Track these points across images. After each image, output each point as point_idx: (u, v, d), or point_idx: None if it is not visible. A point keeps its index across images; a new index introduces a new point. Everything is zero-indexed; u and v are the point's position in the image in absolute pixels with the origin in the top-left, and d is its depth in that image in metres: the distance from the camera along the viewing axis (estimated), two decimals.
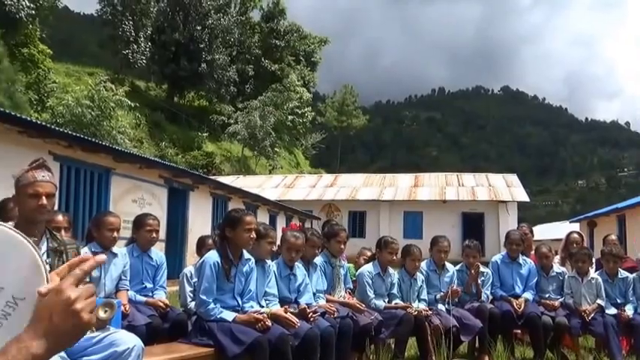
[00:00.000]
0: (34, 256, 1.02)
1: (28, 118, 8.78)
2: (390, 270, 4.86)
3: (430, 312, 4.61)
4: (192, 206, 12.80)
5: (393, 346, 4.54)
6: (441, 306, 4.83)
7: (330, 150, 63.60)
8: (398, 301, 4.71)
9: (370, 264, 4.88)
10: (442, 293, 4.86)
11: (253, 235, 3.56)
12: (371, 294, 4.64)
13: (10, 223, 1.91)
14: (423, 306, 4.71)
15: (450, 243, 5.13)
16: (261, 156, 36.81)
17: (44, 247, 2.69)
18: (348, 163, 74.86)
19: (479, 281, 5.04)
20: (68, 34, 43.96)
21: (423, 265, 5.10)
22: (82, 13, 70.03)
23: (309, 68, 49.84)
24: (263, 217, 17.31)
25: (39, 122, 8.89)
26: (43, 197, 2.54)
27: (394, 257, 4.75)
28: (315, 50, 51.40)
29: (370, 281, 4.70)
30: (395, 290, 4.79)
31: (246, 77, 42.49)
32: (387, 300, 4.73)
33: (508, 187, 26.28)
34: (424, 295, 4.90)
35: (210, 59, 35.76)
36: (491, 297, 5.10)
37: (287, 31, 47.50)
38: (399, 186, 27.78)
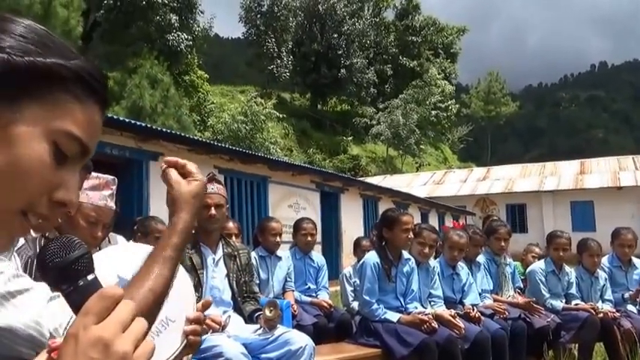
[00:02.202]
0: (190, 286, 1.13)
1: (195, 138, 9.74)
2: (566, 267, 4.39)
3: (618, 314, 4.07)
4: (344, 208, 13.09)
5: (576, 352, 4.08)
6: (631, 307, 4.24)
7: (479, 142, 60.75)
8: (579, 302, 4.23)
9: (542, 261, 4.47)
10: (631, 292, 4.26)
11: (411, 235, 3.48)
12: (546, 293, 4.24)
13: None
14: (608, 307, 4.18)
15: (635, 236, 4.49)
16: (407, 154, 36.45)
17: (220, 253, 2.91)
18: (500, 154, 70.83)
19: None
20: (220, 59, 48.25)
21: (605, 261, 4.52)
22: (230, 38, 76.43)
23: (449, 60, 48.23)
24: (414, 215, 17.05)
25: (204, 140, 9.80)
26: (212, 208, 2.76)
27: (561, 253, 4.28)
28: (454, 41, 49.56)
29: (544, 279, 4.29)
30: (573, 290, 4.31)
31: (385, 77, 42.52)
32: (563, 301, 4.28)
33: None
34: (609, 295, 4.34)
35: (349, 64, 36.45)
36: None
37: (423, 26, 46.54)
38: (562, 174, 25.32)
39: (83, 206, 1.90)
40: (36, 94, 0.56)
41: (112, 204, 2.01)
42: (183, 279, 1.18)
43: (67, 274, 0.61)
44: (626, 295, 4.28)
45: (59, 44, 0.59)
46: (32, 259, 1.58)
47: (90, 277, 0.62)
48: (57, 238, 0.64)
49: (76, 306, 0.58)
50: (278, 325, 2.64)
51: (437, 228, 5.07)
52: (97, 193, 1.93)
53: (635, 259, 4.51)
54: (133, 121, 7.19)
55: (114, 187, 1.99)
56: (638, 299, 4.17)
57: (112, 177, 1.98)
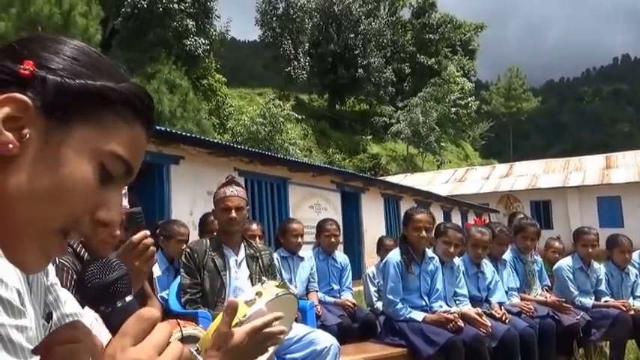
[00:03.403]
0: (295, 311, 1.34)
1: (215, 140, 9.79)
2: (595, 264, 4.29)
3: None
4: (365, 208, 13.04)
5: (607, 350, 3.98)
6: None
7: (500, 138, 60.04)
8: (608, 299, 4.13)
9: (569, 257, 4.37)
10: None
11: (424, 233, 3.42)
12: (574, 290, 4.14)
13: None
14: (639, 304, 4.07)
15: None
16: (427, 152, 36.19)
17: (242, 255, 2.92)
18: (522, 150, 69.78)
19: None
20: (237, 62, 48.58)
21: (636, 257, 4.41)
22: (246, 41, 76.94)
23: (467, 57, 47.74)
24: (437, 213, 16.92)
25: (223, 143, 9.86)
26: (233, 211, 2.77)
27: (590, 250, 4.17)
28: (472, 38, 49.05)
29: (572, 276, 4.20)
30: (603, 286, 4.21)
31: (403, 76, 42.31)
32: (592, 298, 4.18)
33: None
34: None
35: (366, 64, 36.36)
36: None
37: (440, 24, 46.19)
38: (587, 169, 24.77)
39: None
40: (86, 116, 0.57)
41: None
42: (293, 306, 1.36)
43: (105, 295, 0.62)
44: None
45: (109, 66, 0.60)
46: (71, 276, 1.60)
47: (128, 298, 0.63)
48: (96, 259, 0.65)
49: (113, 327, 0.60)
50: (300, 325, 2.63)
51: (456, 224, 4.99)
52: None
53: None
54: None
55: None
56: None
57: None
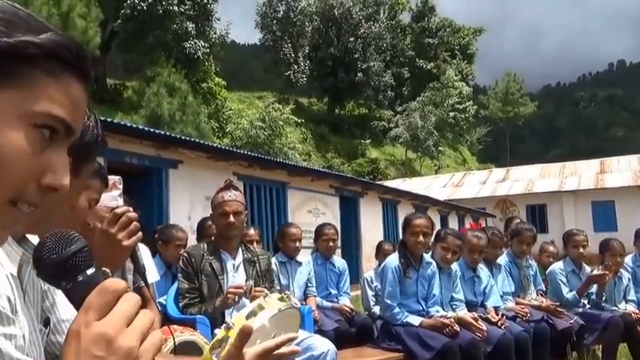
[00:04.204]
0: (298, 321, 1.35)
1: (214, 144, 9.82)
2: (587, 267, 4.36)
3: None
4: (363, 212, 13.08)
5: (600, 353, 4.03)
6: None
7: (498, 143, 60.16)
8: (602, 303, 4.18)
9: (561, 261, 4.44)
10: None
11: (421, 238, 3.46)
12: (567, 293, 4.22)
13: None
14: (631, 307, 4.13)
15: None
16: (425, 156, 36.28)
17: (240, 259, 2.95)
18: (519, 155, 69.90)
19: None
20: (237, 65, 48.62)
21: (628, 260, 4.49)
22: (246, 44, 77.02)
23: (465, 61, 47.89)
24: (434, 217, 16.95)
25: (222, 147, 9.89)
26: (231, 215, 2.79)
27: (581, 250, 4.25)
28: (471, 42, 49.22)
29: (564, 279, 4.26)
30: (594, 289, 4.27)
31: (402, 80, 42.41)
32: (585, 301, 4.25)
33: None
34: (632, 295, 4.32)
35: (366, 67, 36.46)
36: None
37: (439, 28, 46.35)
38: (582, 174, 24.96)
39: (98, 210, 1.94)
40: (5, 78, 0.52)
41: (121, 203, 2.06)
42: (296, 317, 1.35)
43: (65, 270, 0.57)
44: None
45: (26, 18, 0.54)
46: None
47: (90, 271, 0.58)
48: (53, 232, 0.60)
49: (77, 303, 0.55)
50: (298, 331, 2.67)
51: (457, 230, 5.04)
52: (107, 194, 1.96)
53: None
54: (151, 130, 7.29)
55: (121, 187, 2.02)
56: None
57: (117, 177, 2.02)
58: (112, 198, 1.98)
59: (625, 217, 20.52)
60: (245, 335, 1.03)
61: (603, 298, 4.16)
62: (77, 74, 0.57)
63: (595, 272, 4.10)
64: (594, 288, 4.25)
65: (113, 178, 2.01)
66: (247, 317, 1.17)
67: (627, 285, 4.29)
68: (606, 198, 22.73)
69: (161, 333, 0.55)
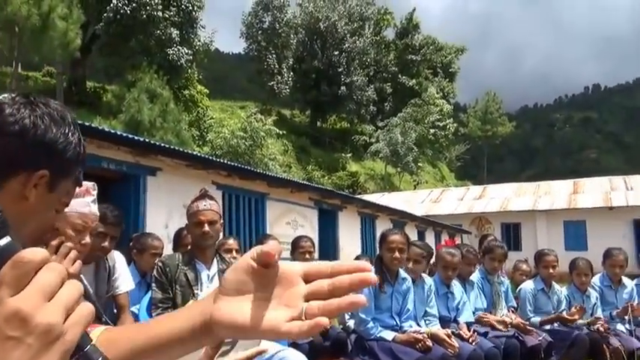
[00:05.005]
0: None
1: (194, 153, 9.74)
2: (556, 286, 4.47)
3: (607, 330, 4.12)
4: (342, 226, 13.11)
5: None
6: (620, 326, 4.30)
7: (476, 161, 61.02)
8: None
9: (532, 280, 4.56)
10: (619, 310, 4.32)
11: (397, 254, 3.49)
12: (530, 313, 4.35)
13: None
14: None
15: (626, 256, 4.58)
16: (405, 172, 36.59)
17: (215, 269, 2.93)
18: (496, 173, 71.03)
19: None
20: (220, 74, 48.51)
21: (596, 280, 4.62)
22: (230, 53, 76.97)
23: (447, 79, 48.69)
24: (411, 233, 17.08)
25: (202, 155, 9.81)
26: (206, 225, 2.76)
27: (551, 271, 4.37)
28: (453, 60, 50.10)
29: (532, 298, 4.38)
30: (563, 308, 4.37)
31: (384, 95, 42.86)
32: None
33: None
34: (599, 313, 4.42)
35: (349, 82, 36.76)
36: None
37: (422, 45, 47.09)
38: (555, 194, 25.50)
39: (68, 215, 1.90)
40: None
41: (95, 209, 1.97)
42: None
43: None
44: (614, 312, 4.33)
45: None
46: None
47: (3, 241, 0.51)
48: None
49: None
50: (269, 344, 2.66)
51: (433, 247, 5.10)
52: (80, 200, 1.93)
53: (625, 279, 4.61)
54: (130, 135, 7.14)
55: (94, 193, 2.00)
56: (626, 316, 4.22)
57: (91, 183, 2.00)
58: (85, 204, 1.96)
59: (595, 237, 21.03)
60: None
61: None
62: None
63: (565, 314, 4.19)
64: (564, 305, 4.36)
65: (87, 184, 1.99)
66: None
67: (595, 303, 4.41)
68: (578, 218, 23.29)
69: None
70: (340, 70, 36.80)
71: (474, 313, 4.09)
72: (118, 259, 2.92)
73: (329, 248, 12.52)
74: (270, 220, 10.25)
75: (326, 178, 31.92)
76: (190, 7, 23.70)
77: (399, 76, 44.26)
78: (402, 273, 3.65)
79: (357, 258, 5.38)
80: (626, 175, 26.75)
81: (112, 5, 21.36)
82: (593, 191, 24.73)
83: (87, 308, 0.48)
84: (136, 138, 7.24)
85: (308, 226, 11.39)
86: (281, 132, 24.60)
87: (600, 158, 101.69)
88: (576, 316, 4.11)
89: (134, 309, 3.27)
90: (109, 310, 2.77)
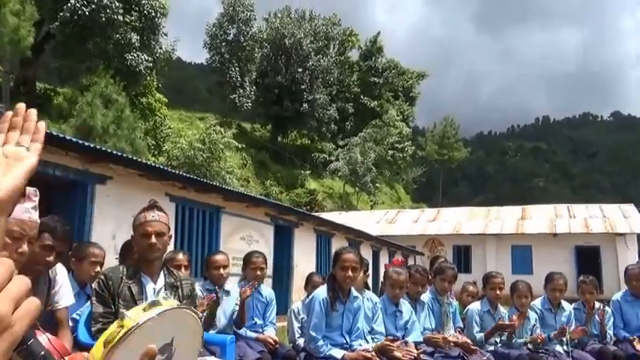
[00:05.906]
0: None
1: (147, 162, 9.46)
2: (501, 308, 4.61)
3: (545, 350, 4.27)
4: (297, 243, 13.03)
5: None
6: (559, 347, 4.44)
7: (432, 184, 62.23)
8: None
9: (479, 302, 4.67)
10: (555, 332, 4.46)
11: (350, 273, 3.49)
12: (476, 334, 4.45)
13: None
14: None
15: (566, 281, 4.77)
16: (363, 192, 36.94)
17: (161, 283, 2.81)
18: (451, 197, 72.62)
19: (604, 321, 4.65)
20: (181, 83, 47.80)
21: (537, 303, 4.80)
22: (193, 63, 76.04)
23: (407, 103, 49.77)
24: (366, 252, 17.16)
25: (156, 165, 9.54)
26: (153, 236, 2.65)
27: (498, 292, 4.53)
28: (414, 85, 51.33)
29: (478, 319, 4.50)
30: None
31: (346, 115, 43.35)
32: (498, 339, 4.48)
33: (625, 219, 23.89)
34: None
35: (312, 99, 37.00)
36: (614, 338, 4.73)
37: (385, 68, 48.06)
38: (505, 219, 26.41)
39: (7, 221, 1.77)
40: None
41: (35, 217, 1.88)
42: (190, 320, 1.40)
43: None
44: (552, 334, 4.47)
45: None
46: None
47: None
48: None
49: None
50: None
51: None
52: (20, 206, 1.82)
53: (564, 302, 4.79)
54: (80, 141, 6.76)
55: (36, 199, 1.88)
56: (566, 340, 4.36)
57: (33, 188, 1.88)
58: (24, 210, 1.85)
59: (540, 262, 21.95)
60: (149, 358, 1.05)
61: (513, 340, 4.41)
62: None
63: (502, 322, 4.34)
64: None
65: (28, 190, 1.87)
66: (144, 310, 1.25)
67: (534, 325, 4.56)
68: (525, 243, 24.23)
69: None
70: (303, 87, 37.03)
71: (422, 332, 4.12)
72: (59, 271, 2.78)
73: (284, 265, 12.41)
74: (224, 234, 10.07)
75: (284, 194, 31.83)
76: (153, 13, 23.20)
77: (361, 96, 44.95)
78: (354, 292, 3.64)
79: (310, 275, 5.33)
80: (570, 204, 28.11)
81: (69, 5, 20.51)
82: (539, 218, 25.77)
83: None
84: (85, 144, 6.84)
85: (263, 242, 11.26)
86: (240, 145, 24.38)
87: (548, 187, 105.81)
88: (516, 323, 4.25)
89: (75, 315, 3.11)
90: (51, 323, 2.61)
